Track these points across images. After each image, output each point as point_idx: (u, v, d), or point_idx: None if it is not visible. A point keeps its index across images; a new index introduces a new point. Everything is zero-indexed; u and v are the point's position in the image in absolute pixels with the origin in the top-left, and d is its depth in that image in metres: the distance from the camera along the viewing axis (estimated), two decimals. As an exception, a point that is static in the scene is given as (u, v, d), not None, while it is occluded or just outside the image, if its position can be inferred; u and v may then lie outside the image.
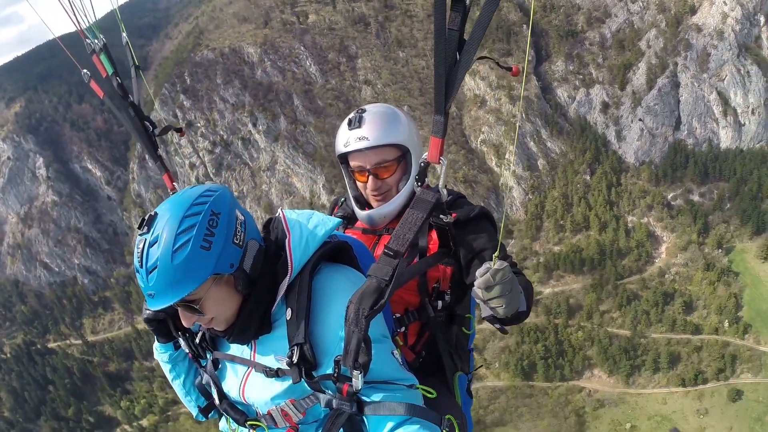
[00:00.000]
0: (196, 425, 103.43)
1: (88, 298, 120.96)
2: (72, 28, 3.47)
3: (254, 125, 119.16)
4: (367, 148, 3.05)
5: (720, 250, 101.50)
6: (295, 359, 2.25)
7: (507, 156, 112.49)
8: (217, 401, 2.70)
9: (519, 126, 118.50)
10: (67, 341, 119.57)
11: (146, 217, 2.22)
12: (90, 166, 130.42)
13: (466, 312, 3.32)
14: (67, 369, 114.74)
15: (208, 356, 2.74)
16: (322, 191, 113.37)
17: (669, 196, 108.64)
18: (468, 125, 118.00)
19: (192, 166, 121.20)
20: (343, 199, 3.70)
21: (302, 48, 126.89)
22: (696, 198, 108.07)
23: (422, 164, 2.36)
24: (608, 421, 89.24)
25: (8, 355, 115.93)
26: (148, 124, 3.50)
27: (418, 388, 2.36)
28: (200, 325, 2.66)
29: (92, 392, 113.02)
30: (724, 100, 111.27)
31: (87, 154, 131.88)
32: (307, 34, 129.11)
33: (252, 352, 2.51)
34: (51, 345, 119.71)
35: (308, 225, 2.51)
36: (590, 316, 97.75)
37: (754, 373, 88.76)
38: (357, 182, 3.28)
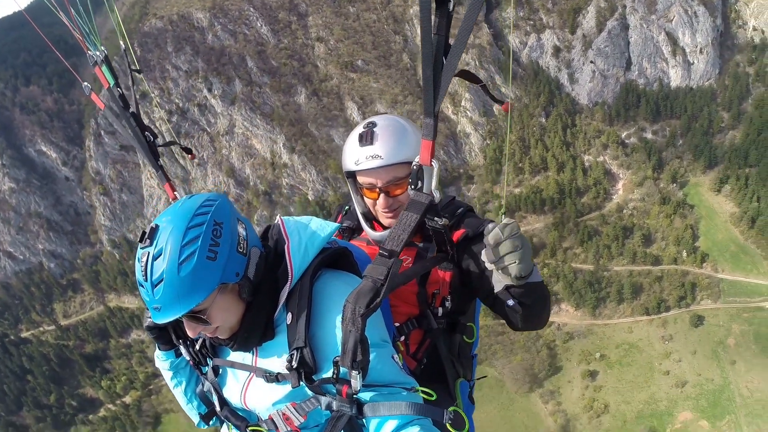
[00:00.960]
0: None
1: (57, 283, 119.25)
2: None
3: (209, 90, 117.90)
4: (380, 167, 2.97)
5: (675, 185, 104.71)
6: (294, 363, 2.26)
7: (462, 103, 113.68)
8: (218, 408, 2.71)
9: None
10: (40, 328, 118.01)
11: (147, 230, 2.21)
12: (44, 149, 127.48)
13: (468, 321, 3.31)
14: (44, 356, 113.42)
15: (209, 363, 2.75)
16: (282, 150, 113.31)
17: (623, 135, 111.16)
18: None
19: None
20: (347, 207, 3.62)
21: (252, 9, 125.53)
22: (649, 136, 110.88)
23: (414, 167, 2.27)
24: (578, 352, 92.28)
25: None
26: (148, 134, 3.49)
27: (417, 390, 2.34)
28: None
29: (72, 376, 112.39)
30: (673, 41, 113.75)
31: (40, 137, 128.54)
32: None
33: (254, 358, 2.53)
34: (24, 334, 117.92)
35: (307, 231, 2.53)
36: (554, 253, 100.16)
37: (714, 299, 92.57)
38: (365, 198, 3.19)
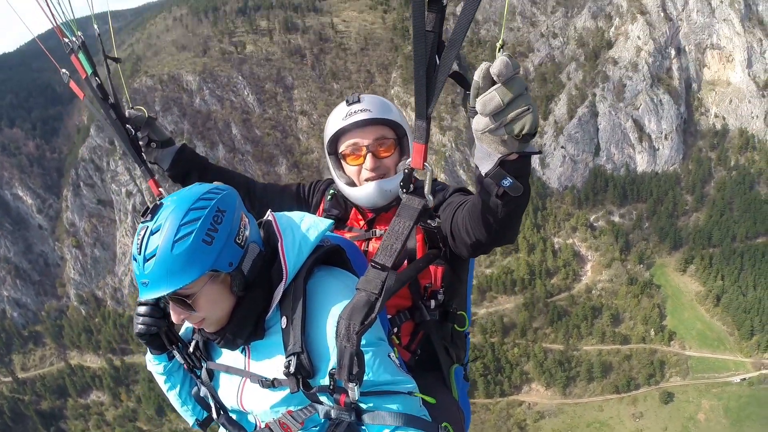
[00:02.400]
0: None
1: (18, 333, 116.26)
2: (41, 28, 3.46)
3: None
4: (369, 120, 2.94)
5: (641, 266, 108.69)
6: (292, 369, 2.20)
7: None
8: (214, 415, 2.67)
9: (447, 156, 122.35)
10: None
11: (151, 206, 2.23)
12: (21, 193, 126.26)
13: (460, 309, 3.21)
14: None
15: (203, 365, 2.70)
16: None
17: (591, 218, 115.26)
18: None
19: (129, 194, 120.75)
20: (332, 192, 3.38)
21: (240, 77, 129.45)
22: (617, 219, 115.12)
23: (406, 171, 2.15)
24: (549, 431, 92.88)
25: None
26: (130, 127, 3.41)
27: (416, 395, 2.34)
28: (193, 335, 2.69)
29: None
30: (640, 127, 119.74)
31: (18, 180, 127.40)
32: (245, 64, 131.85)
33: (246, 360, 2.47)
34: None
35: (300, 228, 2.46)
36: (524, 333, 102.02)
37: (683, 375, 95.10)
38: (349, 166, 3.08)
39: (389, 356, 2.35)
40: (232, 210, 2.23)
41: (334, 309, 2.26)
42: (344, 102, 3.04)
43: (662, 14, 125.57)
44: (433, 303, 3.00)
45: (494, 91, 1.67)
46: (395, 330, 3.02)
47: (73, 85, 3.39)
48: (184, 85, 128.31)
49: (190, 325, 2.49)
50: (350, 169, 3.08)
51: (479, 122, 1.77)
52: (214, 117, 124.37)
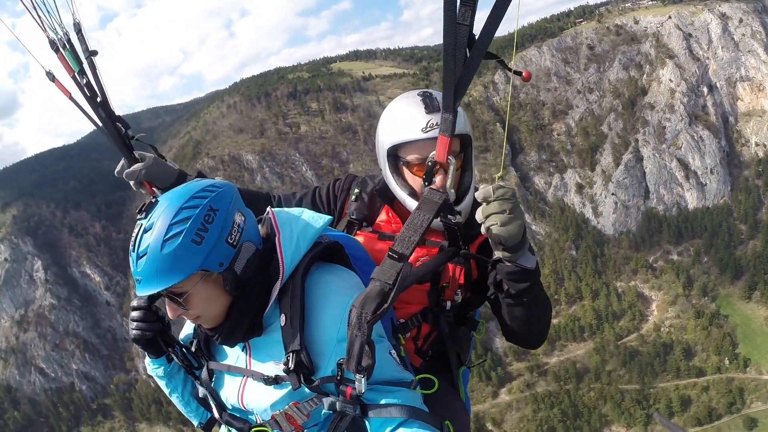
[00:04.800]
0: None
1: (87, 405, 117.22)
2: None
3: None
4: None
5: (706, 298, 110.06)
6: (291, 366, 2.18)
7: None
8: (216, 414, 2.64)
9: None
10: None
11: (147, 203, 2.21)
12: (89, 271, 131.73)
13: (475, 316, 3.13)
14: None
15: (202, 366, 2.66)
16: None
17: (650, 259, 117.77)
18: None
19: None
20: (357, 191, 3.18)
21: (297, 155, 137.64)
22: (675, 257, 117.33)
23: (429, 164, 2.19)
24: None
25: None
26: (120, 125, 3.28)
27: (418, 390, 2.33)
28: (194, 336, 2.66)
29: None
30: (685, 166, 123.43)
31: (86, 259, 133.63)
32: (300, 143, 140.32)
33: (247, 359, 2.45)
34: None
35: (298, 223, 2.43)
36: (598, 376, 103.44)
37: (763, 400, 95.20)
38: (414, 177, 2.83)
39: (390, 353, 2.35)
40: (225, 209, 2.20)
41: (332, 306, 2.28)
42: (420, 103, 2.76)
43: (689, 55, 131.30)
44: (449, 304, 2.90)
45: (479, 209, 2.25)
46: (409, 334, 2.98)
47: (57, 84, 3.18)
48: (245, 164, 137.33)
49: (192, 322, 2.52)
50: (414, 180, 2.84)
51: (478, 219, 2.27)
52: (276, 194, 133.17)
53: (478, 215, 2.25)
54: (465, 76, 1.91)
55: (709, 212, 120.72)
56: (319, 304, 2.29)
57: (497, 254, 2.38)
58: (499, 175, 2.31)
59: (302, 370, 2.21)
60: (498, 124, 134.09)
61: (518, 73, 2.22)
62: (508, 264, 2.41)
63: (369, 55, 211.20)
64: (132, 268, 2.16)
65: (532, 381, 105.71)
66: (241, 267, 2.22)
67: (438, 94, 2.76)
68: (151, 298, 2.66)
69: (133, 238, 2.16)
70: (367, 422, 2.26)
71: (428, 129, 2.68)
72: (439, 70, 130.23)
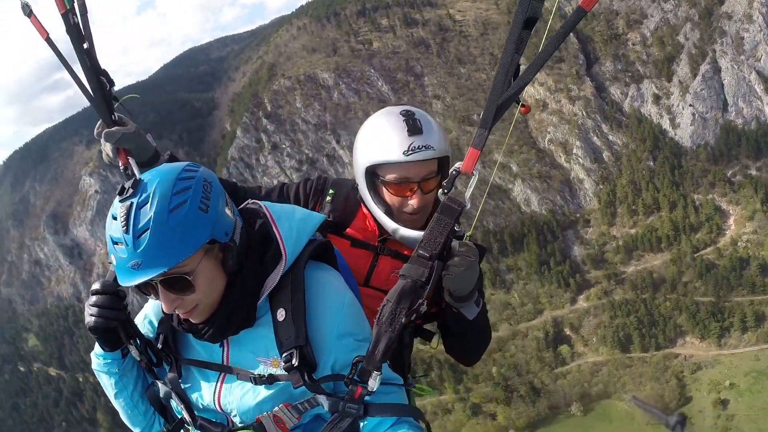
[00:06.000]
0: None
1: None
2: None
3: (338, 142, 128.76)
4: (430, 159, 2.73)
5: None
6: (295, 362, 2.08)
7: (573, 151, 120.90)
8: (187, 417, 2.41)
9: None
10: None
11: (131, 182, 2.00)
12: None
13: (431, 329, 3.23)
14: None
15: (167, 365, 2.44)
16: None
17: (728, 173, 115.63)
18: (534, 128, 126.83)
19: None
20: (331, 192, 3.12)
21: (372, 70, 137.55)
22: (753, 172, 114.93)
23: (454, 173, 2.28)
24: (707, 382, 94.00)
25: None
26: (104, 79, 2.83)
27: (410, 388, 2.44)
28: (159, 329, 2.45)
29: None
30: (764, 78, 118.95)
31: None
32: (374, 58, 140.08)
33: (225, 355, 2.31)
34: None
35: (295, 218, 2.37)
36: (674, 287, 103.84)
37: None
38: (392, 196, 2.83)
39: None
40: (216, 182, 2.14)
41: (331, 302, 2.24)
42: (403, 124, 2.73)
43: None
44: (413, 316, 2.63)
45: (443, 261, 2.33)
46: None
47: (34, 20, 2.79)
48: (321, 82, 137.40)
49: (182, 316, 2.17)
50: (392, 198, 2.84)
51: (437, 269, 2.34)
52: (354, 107, 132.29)
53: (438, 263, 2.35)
54: (505, 103, 2.09)
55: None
56: (319, 298, 2.23)
57: (444, 297, 2.62)
58: (469, 234, 2.43)
59: (306, 367, 2.12)
60: (572, 34, 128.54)
61: (518, 103, 2.26)
62: (453, 310, 2.68)
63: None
64: (124, 255, 1.94)
65: (609, 289, 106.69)
66: (238, 239, 2.17)
67: (420, 114, 2.82)
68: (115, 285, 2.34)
69: (121, 220, 1.94)
70: (361, 422, 2.24)
71: (410, 152, 2.69)
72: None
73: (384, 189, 2.84)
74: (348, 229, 3.04)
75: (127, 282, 1.98)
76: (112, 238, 1.96)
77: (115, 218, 1.97)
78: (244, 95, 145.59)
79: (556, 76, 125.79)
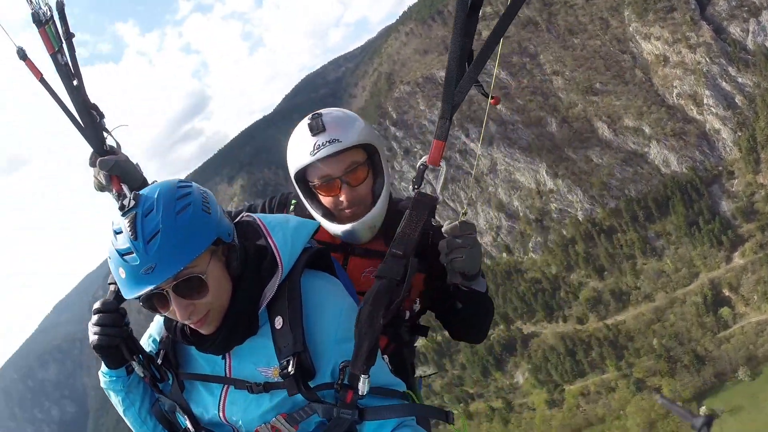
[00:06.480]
0: (467, 423, 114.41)
1: None
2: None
3: (467, 136, 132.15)
4: (339, 152, 2.66)
5: None
6: (291, 370, 2.09)
7: (704, 101, 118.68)
8: (192, 430, 2.46)
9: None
10: None
11: (130, 197, 2.08)
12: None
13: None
14: None
15: (169, 379, 2.48)
16: (546, 178, 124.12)
17: None
18: (659, 85, 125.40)
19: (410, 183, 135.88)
20: (294, 202, 3.15)
21: None
22: None
23: (421, 167, 2.28)
24: None
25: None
26: (95, 113, 2.90)
27: (409, 394, 2.34)
28: (160, 346, 2.48)
29: None
30: None
31: None
32: None
33: (227, 367, 2.32)
34: None
35: (288, 227, 2.39)
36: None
37: None
38: (323, 199, 2.83)
39: (383, 357, 2.46)
40: (210, 194, 2.21)
41: (330, 308, 2.26)
42: (307, 127, 2.70)
43: None
44: (408, 314, 2.91)
45: (443, 241, 2.49)
46: None
47: (29, 63, 2.82)
48: (439, 81, 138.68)
49: (193, 325, 2.20)
50: (325, 200, 2.83)
51: (441, 254, 2.52)
52: (477, 99, 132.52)
53: (443, 247, 2.49)
54: (462, 90, 2.06)
55: None
56: (317, 305, 2.27)
57: (455, 281, 2.60)
58: (464, 211, 2.44)
59: (303, 374, 2.15)
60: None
61: (485, 95, 2.26)
62: (464, 289, 2.67)
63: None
64: (135, 263, 1.99)
65: (764, 241, 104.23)
66: (238, 243, 2.25)
67: (328, 112, 2.79)
68: (119, 299, 2.48)
69: (128, 230, 2.01)
70: (359, 428, 2.26)
71: (315, 151, 2.66)
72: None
73: (316, 193, 2.84)
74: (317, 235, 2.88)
75: (142, 289, 2.01)
76: (119, 252, 2.01)
77: (119, 232, 2.03)
78: (368, 109, 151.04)
79: (670, 27, 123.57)
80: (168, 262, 1.97)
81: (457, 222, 2.43)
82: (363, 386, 2.08)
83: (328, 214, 2.82)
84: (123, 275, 2.02)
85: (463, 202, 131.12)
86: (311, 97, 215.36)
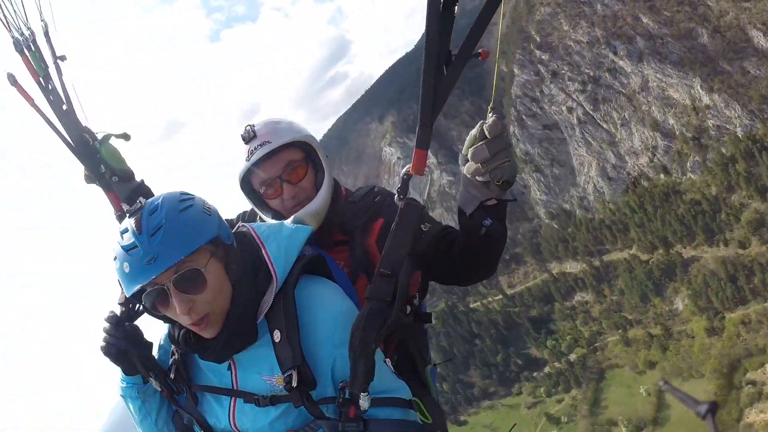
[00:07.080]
0: (625, 349, 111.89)
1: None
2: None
3: (615, 54, 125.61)
4: (272, 152, 2.79)
5: None
6: (294, 383, 2.13)
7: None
8: None
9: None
10: (487, 299, 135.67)
11: (139, 201, 2.22)
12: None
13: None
14: (492, 321, 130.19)
15: (183, 391, 2.54)
16: (701, 93, 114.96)
17: None
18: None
19: (570, 109, 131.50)
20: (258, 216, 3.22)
21: None
22: None
23: (405, 177, 2.25)
24: None
25: (433, 321, 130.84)
26: (87, 136, 3.02)
27: (413, 401, 2.35)
28: (172, 360, 2.52)
29: (517, 338, 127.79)
30: None
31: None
32: None
33: (233, 378, 2.38)
34: (472, 305, 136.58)
35: (281, 236, 2.42)
36: None
37: None
38: (270, 202, 2.97)
39: (385, 362, 2.40)
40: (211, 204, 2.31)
41: (327, 312, 2.27)
42: (241, 139, 2.88)
43: None
44: (408, 308, 2.84)
45: (484, 144, 2.20)
46: None
47: (19, 88, 2.91)
48: None
49: (193, 327, 2.24)
50: (272, 202, 2.97)
51: (470, 168, 2.29)
52: (621, 15, 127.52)
53: (480, 154, 2.22)
54: (442, 94, 2.00)
55: None
56: (313, 311, 2.27)
57: (483, 196, 2.40)
58: (491, 106, 2.18)
59: (306, 386, 2.16)
60: None
61: (476, 56, 2.07)
62: (492, 204, 2.44)
63: None
64: (139, 254, 2.06)
65: None
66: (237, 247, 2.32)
67: (259, 122, 2.92)
68: (131, 311, 2.56)
69: (134, 227, 2.10)
70: None
71: (250, 155, 2.81)
72: None
73: (262, 197, 2.97)
74: None
75: (145, 279, 2.06)
76: (123, 248, 2.09)
77: (125, 231, 2.13)
78: (510, 34, 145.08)
79: None
80: (169, 252, 2.05)
81: (496, 118, 2.18)
82: (364, 403, 2.11)
83: (278, 216, 2.97)
84: (127, 270, 2.09)
85: (616, 123, 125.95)
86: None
